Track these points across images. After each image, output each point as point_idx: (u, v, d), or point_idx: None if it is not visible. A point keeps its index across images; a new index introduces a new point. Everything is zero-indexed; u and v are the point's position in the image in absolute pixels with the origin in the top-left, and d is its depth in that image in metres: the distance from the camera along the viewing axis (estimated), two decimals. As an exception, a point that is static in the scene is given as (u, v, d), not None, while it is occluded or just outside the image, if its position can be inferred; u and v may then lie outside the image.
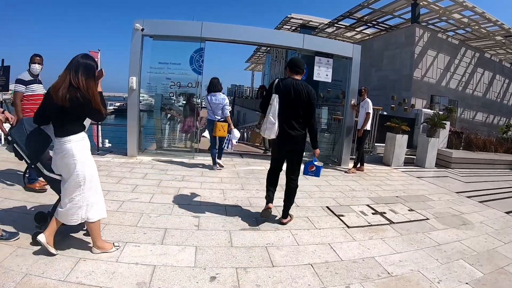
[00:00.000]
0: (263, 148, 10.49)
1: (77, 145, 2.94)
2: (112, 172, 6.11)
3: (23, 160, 3.22)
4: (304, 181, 6.39)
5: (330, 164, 8.48)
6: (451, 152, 9.96)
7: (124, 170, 6.33)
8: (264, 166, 7.39)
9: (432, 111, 11.03)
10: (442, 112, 11.37)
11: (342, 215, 4.74)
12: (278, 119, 3.95)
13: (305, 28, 24.16)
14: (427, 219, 4.93)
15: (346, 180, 6.99)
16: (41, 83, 5.07)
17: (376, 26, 20.18)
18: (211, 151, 7.12)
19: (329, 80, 8.09)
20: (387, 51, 18.21)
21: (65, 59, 2.98)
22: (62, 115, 2.87)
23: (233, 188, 5.71)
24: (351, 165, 8.26)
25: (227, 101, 6.97)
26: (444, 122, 9.77)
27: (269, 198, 4.32)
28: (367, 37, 22.31)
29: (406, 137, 9.13)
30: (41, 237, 2.94)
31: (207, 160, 7.64)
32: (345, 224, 4.43)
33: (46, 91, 3.14)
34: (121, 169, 6.43)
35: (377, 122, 9.48)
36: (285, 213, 4.29)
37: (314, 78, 7.92)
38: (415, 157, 9.77)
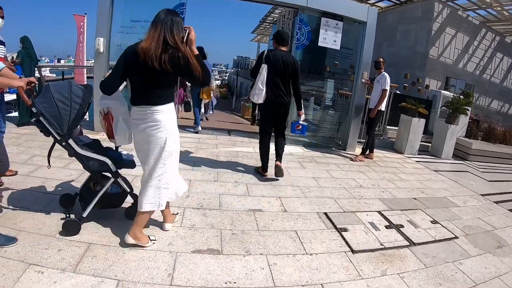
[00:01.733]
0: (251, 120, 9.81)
1: (169, 116, 2.57)
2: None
3: (50, 136, 2.65)
4: (299, 171, 5.10)
5: (333, 148, 7.05)
6: (470, 142, 8.43)
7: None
8: (252, 147, 6.03)
9: (452, 94, 9.38)
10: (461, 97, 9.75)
11: (345, 229, 3.35)
12: (267, 86, 4.31)
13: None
14: (456, 237, 3.57)
15: (352, 170, 5.57)
16: (3, 44, 3.85)
17: (390, -1, 18.23)
18: (194, 110, 7.38)
19: (337, 47, 6.52)
20: (401, 25, 16.27)
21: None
22: (156, 80, 2.46)
23: (205, 178, 4.30)
24: (358, 150, 6.83)
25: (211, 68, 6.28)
26: (467, 107, 8.24)
27: (265, 168, 4.68)
28: (380, 10, 20.32)
29: (423, 121, 7.62)
30: (129, 239, 2.62)
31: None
32: (349, 245, 3.05)
33: (128, 52, 2.48)
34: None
35: (391, 101, 7.92)
36: (280, 158, 4.61)
37: (319, 44, 6.38)
38: (430, 145, 8.29)
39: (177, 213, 3.15)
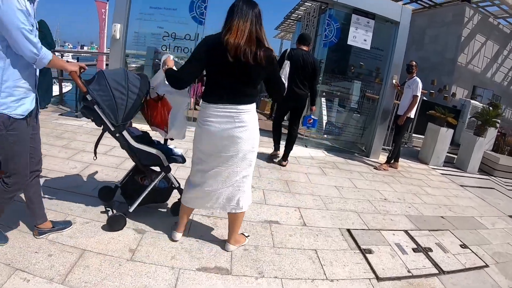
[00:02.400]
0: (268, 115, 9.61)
1: (255, 115, 2.39)
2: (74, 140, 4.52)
3: (102, 127, 2.53)
4: (321, 178, 4.73)
5: (356, 154, 6.63)
6: (497, 157, 7.85)
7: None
8: (272, 149, 5.49)
9: (481, 104, 8.80)
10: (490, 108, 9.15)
11: (370, 251, 2.96)
12: (288, 81, 4.26)
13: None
14: (486, 265, 3.15)
15: (376, 180, 5.15)
16: None
17: (419, 2, 17.54)
18: None
19: (367, 47, 6.09)
20: (430, 29, 15.55)
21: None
22: (248, 77, 2.25)
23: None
24: (381, 158, 6.42)
25: None
26: (496, 120, 7.69)
27: (276, 145, 5.23)
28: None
29: (451, 132, 7.11)
30: (231, 247, 2.57)
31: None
32: (374, 270, 2.67)
33: (210, 43, 2.25)
34: (88, 137, 4.85)
35: (419, 108, 7.43)
36: (286, 157, 5.05)
37: (349, 42, 5.98)
38: (455, 157, 7.77)
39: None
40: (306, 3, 12.56)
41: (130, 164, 3.97)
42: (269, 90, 2.52)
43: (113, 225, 2.59)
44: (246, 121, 2.28)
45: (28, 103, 2.07)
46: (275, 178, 4.42)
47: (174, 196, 2.99)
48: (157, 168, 2.80)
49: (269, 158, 5.15)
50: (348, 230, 3.26)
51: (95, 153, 2.79)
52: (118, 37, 5.63)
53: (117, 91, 2.42)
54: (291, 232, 3.02)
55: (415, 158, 7.28)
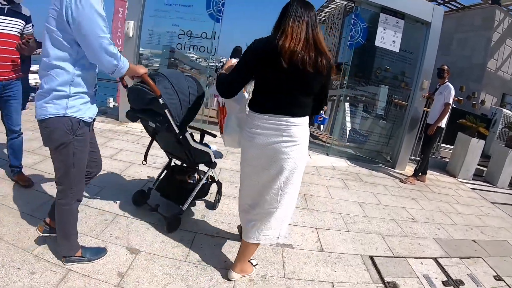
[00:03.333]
0: None
1: (307, 130, 2.09)
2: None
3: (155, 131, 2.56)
4: (342, 192, 4.33)
5: (380, 164, 6.14)
6: (529, 171, 7.26)
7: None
8: None
9: None
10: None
11: (395, 285, 2.53)
12: None
13: None
14: None
15: (402, 196, 4.67)
16: (25, 20, 2.80)
17: (447, 4, 16.76)
18: None
19: (396, 49, 5.59)
20: (458, 33, 14.79)
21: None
22: (306, 87, 1.97)
23: (228, 193, 3.56)
24: (408, 169, 5.93)
25: None
26: (531, 131, 7.10)
27: None
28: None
29: (482, 143, 6.56)
30: (235, 276, 2.20)
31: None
32: (401, 312, 2.25)
33: (260, 46, 1.95)
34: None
35: (449, 116, 6.90)
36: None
37: (376, 43, 5.51)
38: (485, 169, 7.18)
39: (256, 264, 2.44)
40: (330, 5, 12.17)
41: (134, 170, 3.70)
42: (314, 101, 2.12)
43: (174, 224, 2.64)
44: (298, 136, 1.99)
45: (95, 106, 1.98)
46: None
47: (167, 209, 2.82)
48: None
49: None
50: (371, 258, 2.83)
51: (145, 157, 2.69)
52: (131, 35, 5.37)
53: (182, 94, 2.42)
54: (305, 259, 2.62)
55: (442, 170, 6.73)
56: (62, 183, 1.94)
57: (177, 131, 2.40)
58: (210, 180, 3.04)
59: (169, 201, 2.88)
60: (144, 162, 2.64)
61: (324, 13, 13.13)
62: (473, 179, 6.68)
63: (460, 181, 6.32)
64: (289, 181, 2.03)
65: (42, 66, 1.78)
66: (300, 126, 1.99)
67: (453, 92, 5.06)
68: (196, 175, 2.91)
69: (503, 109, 8.24)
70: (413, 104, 5.76)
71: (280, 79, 1.91)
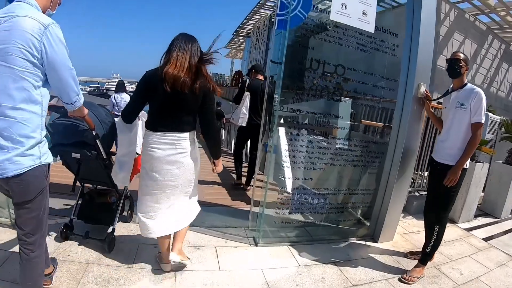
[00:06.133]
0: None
1: (194, 142, 2.51)
2: None
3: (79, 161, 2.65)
4: None
5: (353, 239, 3.62)
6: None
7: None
8: None
9: (499, 116, 6.07)
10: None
11: None
12: (248, 111, 4.70)
13: None
14: None
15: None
16: None
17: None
18: None
19: (371, 29, 3.20)
20: (402, 30, 13.28)
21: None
22: (187, 106, 2.34)
23: None
24: (397, 238, 3.61)
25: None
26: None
27: (239, 174, 5.21)
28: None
29: (487, 167, 4.54)
30: (175, 257, 2.53)
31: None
32: None
33: (148, 76, 2.33)
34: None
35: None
36: (248, 182, 5.06)
37: (332, 17, 2.98)
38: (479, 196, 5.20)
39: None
40: (255, 16, 10.44)
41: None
42: (200, 124, 2.46)
43: (113, 243, 2.77)
44: (187, 147, 2.38)
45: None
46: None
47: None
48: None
49: (233, 186, 5.18)
50: None
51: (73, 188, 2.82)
52: None
53: (104, 124, 2.59)
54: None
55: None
56: (34, 233, 1.81)
57: (105, 157, 2.58)
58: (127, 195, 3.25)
59: (94, 225, 2.91)
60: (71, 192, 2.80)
61: (249, 26, 11.25)
62: (474, 217, 4.70)
63: (464, 229, 4.24)
64: (188, 182, 2.49)
65: None
66: (188, 139, 2.39)
67: (484, 102, 2.84)
68: (114, 194, 3.02)
69: (489, 114, 6.15)
70: (405, 126, 3.31)
71: (165, 101, 2.27)
